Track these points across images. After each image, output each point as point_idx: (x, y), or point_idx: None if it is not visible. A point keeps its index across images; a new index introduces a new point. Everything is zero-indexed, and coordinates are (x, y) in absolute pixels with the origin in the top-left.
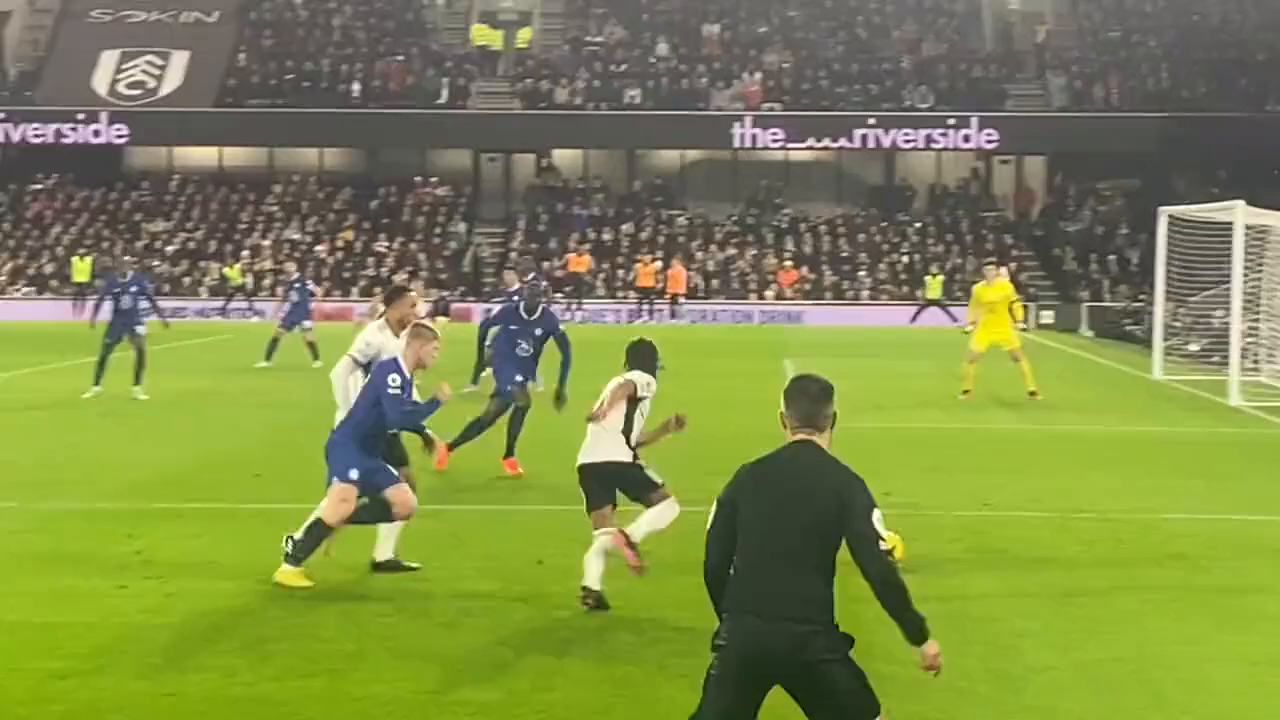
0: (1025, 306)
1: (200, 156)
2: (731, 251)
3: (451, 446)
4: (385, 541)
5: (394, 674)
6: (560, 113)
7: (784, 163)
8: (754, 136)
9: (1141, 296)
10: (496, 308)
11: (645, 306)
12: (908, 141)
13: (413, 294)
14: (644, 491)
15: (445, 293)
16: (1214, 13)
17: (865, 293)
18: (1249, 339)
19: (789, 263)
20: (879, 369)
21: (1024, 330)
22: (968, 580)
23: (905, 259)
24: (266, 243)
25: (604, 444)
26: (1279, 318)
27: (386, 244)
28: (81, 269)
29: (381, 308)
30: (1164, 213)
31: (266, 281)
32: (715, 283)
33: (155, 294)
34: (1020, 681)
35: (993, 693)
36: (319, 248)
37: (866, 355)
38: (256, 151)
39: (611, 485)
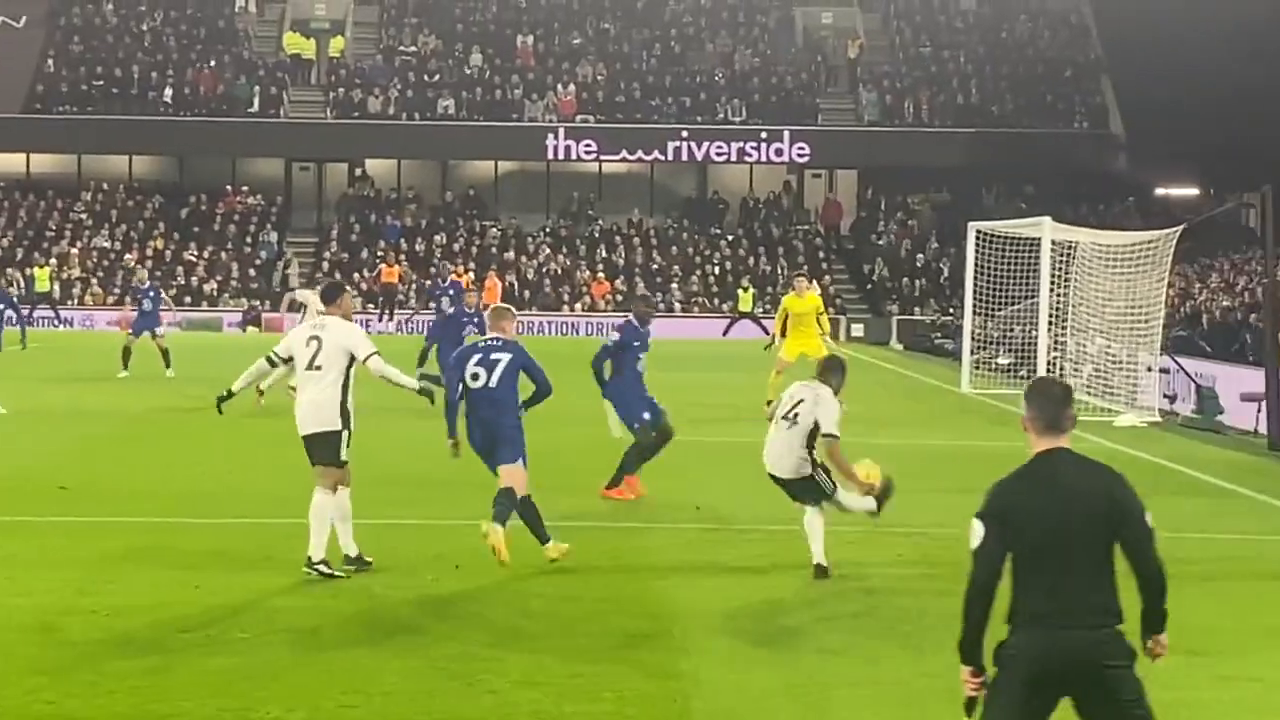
0: (835, 320)
1: (7, 163)
2: (546, 262)
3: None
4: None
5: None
6: (373, 122)
7: (597, 174)
8: (567, 148)
9: (950, 310)
10: (614, 334)
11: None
12: (720, 154)
13: (349, 291)
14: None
15: (256, 303)
16: (1022, 30)
17: (678, 305)
18: (1055, 353)
19: (601, 274)
20: (691, 381)
21: (833, 343)
22: (776, 595)
23: (717, 271)
24: (75, 250)
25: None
26: (1085, 332)
27: (196, 253)
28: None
29: (317, 304)
30: (973, 227)
31: (75, 290)
32: (528, 294)
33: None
34: (822, 700)
35: (798, 711)
36: (128, 256)
37: (679, 368)
38: (65, 158)
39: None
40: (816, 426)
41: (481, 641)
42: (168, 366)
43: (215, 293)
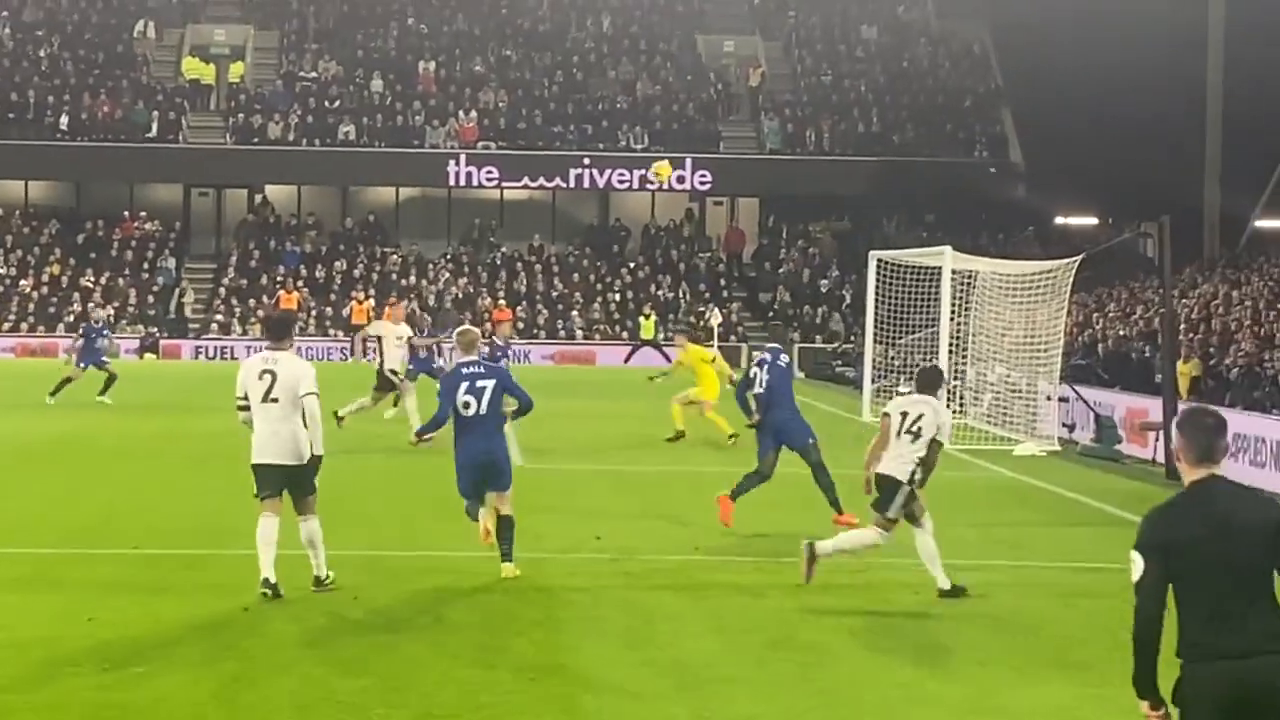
0: (736, 348)
1: None
2: (446, 288)
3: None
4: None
5: None
6: (273, 148)
7: (499, 201)
8: (469, 174)
9: (852, 338)
10: (760, 364)
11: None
12: (622, 182)
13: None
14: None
15: (154, 329)
16: (923, 59)
17: (579, 332)
18: (955, 381)
19: (503, 301)
20: (592, 410)
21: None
22: (678, 625)
23: (619, 298)
24: None
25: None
26: (985, 361)
27: (94, 279)
28: None
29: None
30: (874, 256)
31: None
32: (428, 319)
33: None
34: None
35: None
36: (23, 282)
37: (581, 395)
38: None
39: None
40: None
41: (382, 674)
42: (104, 393)
43: (112, 319)
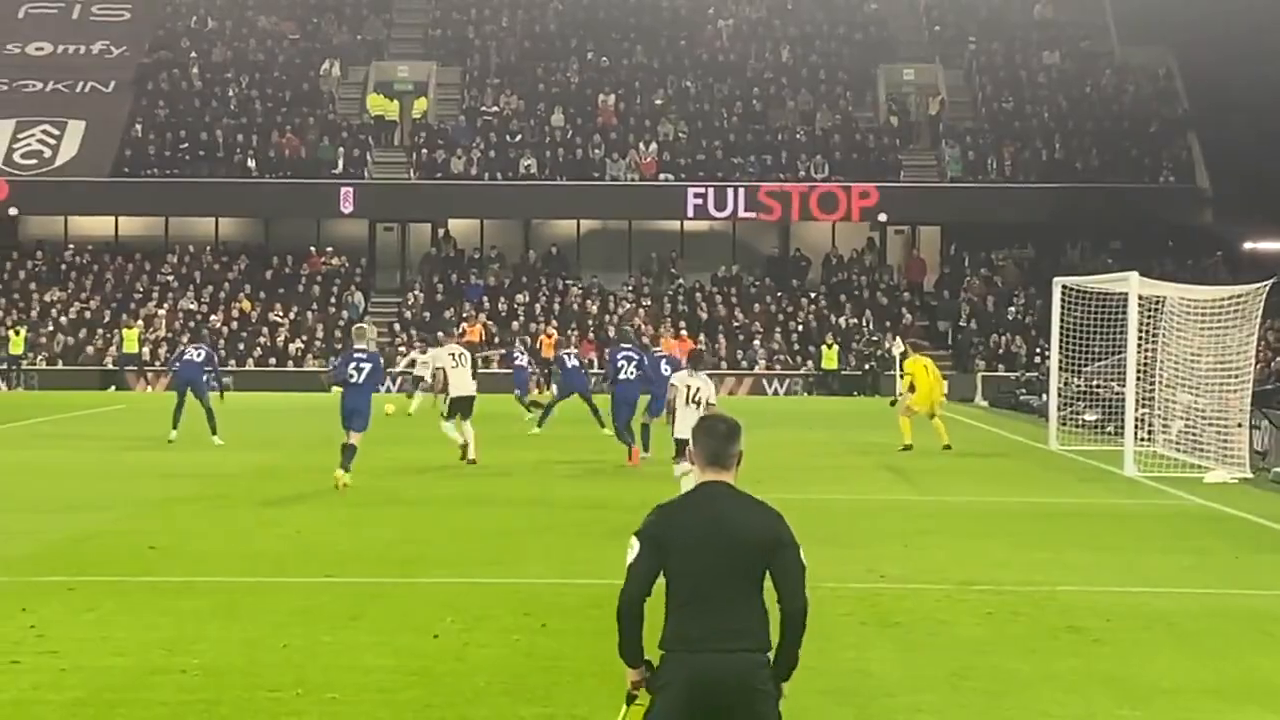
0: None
1: (96, 226)
2: (628, 317)
3: None
4: None
5: None
6: (456, 182)
7: (679, 232)
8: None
9: (1036, 366)
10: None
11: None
12: (803, 212)
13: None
14: None
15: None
16: (1106, 84)
17: (760, 363)
18: (1143, 409)
19: (684, 332)
20: (772, 439)
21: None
22: (863, 653)
23: (800, 329)
24: (162, 312)
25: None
26: (1172, 388)
27: (282, 314)
28: (17, 342)
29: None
30: (1058, 283)
31: (163, 351)
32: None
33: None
34: None
35: None
36: (214, 317)
37: (761, 425)
38: (153, 221)
39: None
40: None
41: (565, 704)
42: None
43: (300, 353)
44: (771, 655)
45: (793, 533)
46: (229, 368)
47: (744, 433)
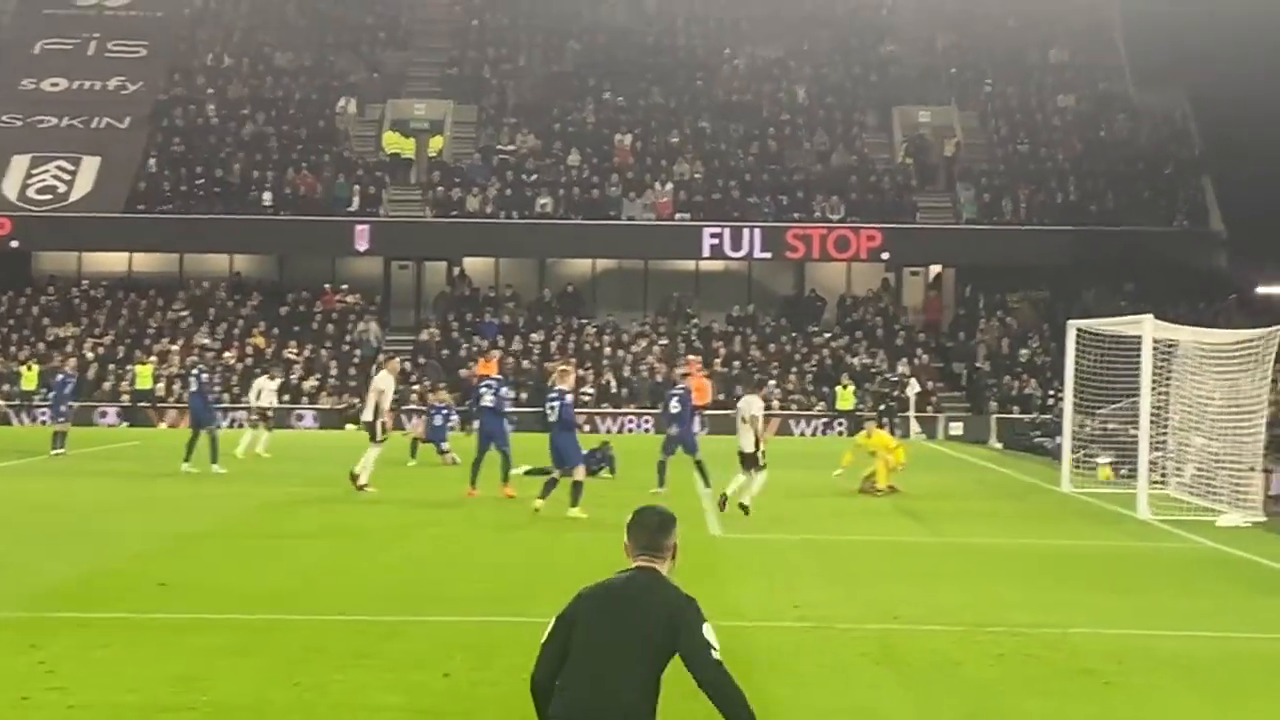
0: (933, 418)
1: (110, 262)
2: (643, 355)
3: None
4: None
5: None
6: (471, 220)
7: (694, 272)
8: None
9: (1050, 408)
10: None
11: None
12: (818, 252)
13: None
14: None
15: (355, 400)
16: (1121, 127)
17: (775, 403)
18: (1157, 452)
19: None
20: (787, 480)
21: (924, 439)
22: (876, 693)
23: (815, 369)
24: (176, 348)
25: None
26: (1186, 431)
27: (296, 350)
28: (30, 377)
29: None
30: (1072, 325)
31: (176, 387)
32: (624, 391)
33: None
34: None
35: None
36: (227, 354)
37: (776, 465)
38: (167, 257)
39: None
40: None
41: None
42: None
43: (314, 390)
44: None
45: (699, 614)
46: (241, 406)
47: (676, 525)
